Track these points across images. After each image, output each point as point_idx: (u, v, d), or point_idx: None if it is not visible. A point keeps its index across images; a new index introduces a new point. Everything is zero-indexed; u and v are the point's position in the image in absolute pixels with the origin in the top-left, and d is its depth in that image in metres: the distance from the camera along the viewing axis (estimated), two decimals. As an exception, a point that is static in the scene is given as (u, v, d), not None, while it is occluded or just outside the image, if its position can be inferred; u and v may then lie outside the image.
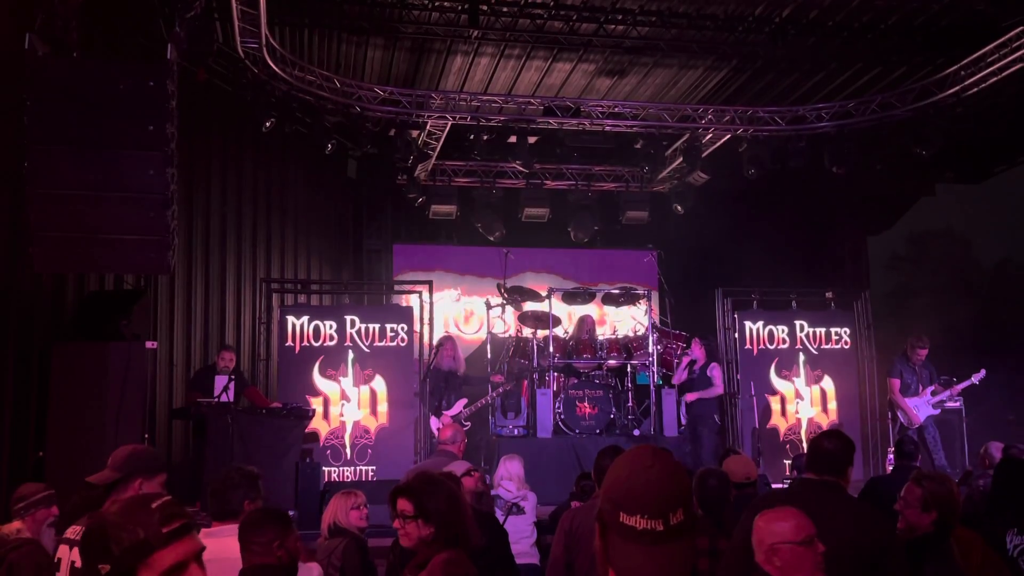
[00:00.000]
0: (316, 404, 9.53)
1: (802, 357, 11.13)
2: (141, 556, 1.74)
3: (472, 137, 11.36)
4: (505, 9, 9.48)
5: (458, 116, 11.20)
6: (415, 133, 11.72)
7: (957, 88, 10.21)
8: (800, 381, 11.09)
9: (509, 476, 6.21)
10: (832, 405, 11.11)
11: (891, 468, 7.18)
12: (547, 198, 13.54)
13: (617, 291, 10.75)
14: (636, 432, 9.59)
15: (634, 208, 13.72)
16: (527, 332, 10.31)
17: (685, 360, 9.78)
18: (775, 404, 10.96)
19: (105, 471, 3.10)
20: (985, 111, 10.34)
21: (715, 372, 9.66)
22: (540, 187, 13.67)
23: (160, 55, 6.51)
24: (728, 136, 11.77)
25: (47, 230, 6.06)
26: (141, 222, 6.12)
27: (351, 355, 9.92)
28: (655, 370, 9.93)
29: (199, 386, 8.91)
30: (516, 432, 9.68)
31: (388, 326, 10.07)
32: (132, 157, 6.03)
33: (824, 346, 11.23)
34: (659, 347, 10.18)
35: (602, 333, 11.00)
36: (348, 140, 11.24)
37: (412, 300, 10.80)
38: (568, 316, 12.11)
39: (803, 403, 11.04)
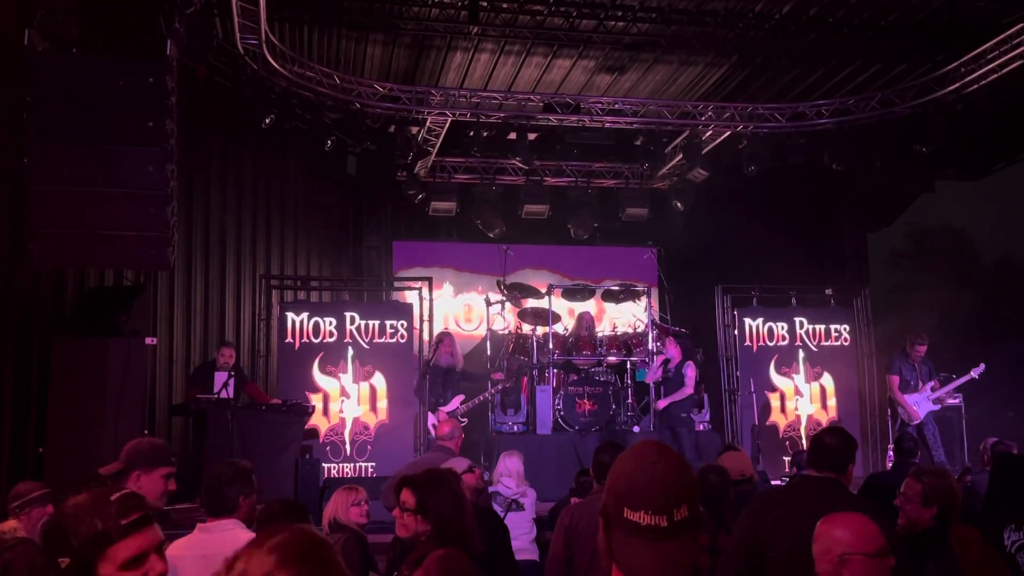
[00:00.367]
0: (316, 400, 9.56)
1: (802, 354, 11.14)
2: (100, 548, 1.75)
3: (472, 134, 11.35)
4: (505, 5, 9.47)
5: (458, 112, 11.20)
6: (415, 129, 11.70)
7: (957, 85, 10.20)
8: (800, 378, 11.10)
9: (508, 472, 6.20)
10: (832, 402, 11.12)
11: (891, 465, 7.19)
12: (547, 195, 13.53)
13: (617, 288, 10.75)
14: (636, 428, 9.60)
15: (634, 205, 13.71)
16: (527, 329, 10.31)
17: (660, 359, 9.56)
18: (775, 401, 10.98)
19: (114, 463, 3.13)
20: (985, 108, 10.33)
21: (689, 371, 9.32)
22: (540, 184, 13.66)
23: (160, 51, 6.51)
24: (728, 133, 11.76)
25: (47, 226, 6.06)
26: (141, 218, 6.12)
27: (351, 351, 9.92)
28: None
29: (199, 382, 8.92)
30: (516, 428, 9.69)
31: (388, 323, 10.07)
32: (132, 153, 6.03)
33: (824, 343, 11.24)
34: (658, 344, 10.17)
35: (601, 330, 11.01)
36: (348, 136, 11.22)
37: (412, 297, 10.80)
38: (568, 313, 12.11)
39: (803, 400, 11.05)
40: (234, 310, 11.10)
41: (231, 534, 3.11)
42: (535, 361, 9.89)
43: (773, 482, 8.16)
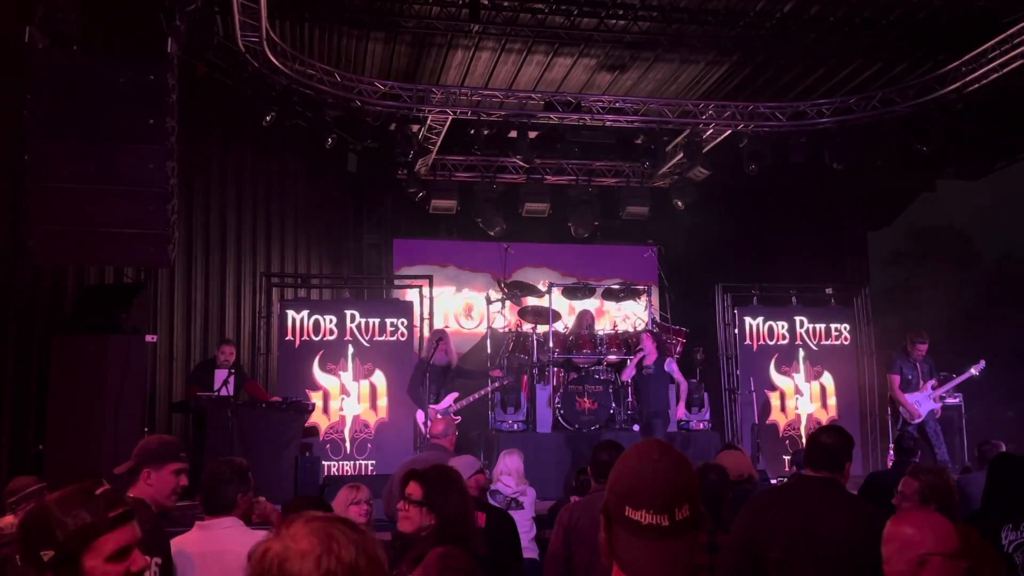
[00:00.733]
0: (316, 398, 9.56)
1: (802, 353, 11.14)
2: (87, 540, 1.77)
3: (472, 132, 11.35)
4: (506, 4, 9.47)
5: (459, 111, 11.20)
6: (415, 128, 11.69)
7: (958, 84, 10.20)
8: (800, 377, 11.10)
9: (508, 471, 6.21)
10: (832, 401, 11.12)
11: (891, 464, 7.19)
12: (547, 193, 13.52)
13: (617, 286, 10.74)
14: (635, 427, 9.59)
15: (634, 203, 13.69)
16: (527, 327, 10.31)
17: (636, 357, 9.22)
18: (775, 400, 10.97)
19: (127, 462, 3.17)
20: (986, 107, 10.33)
21: (674, 366, 9.18)
22: (540, 182, 13.65)
23: (160, 49, 6.51)
24: (729, 132, 11.75)
25: (47, 223, 6.06)
26: (141, 216, 6.12)
27: (351, 349, 9.93)
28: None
29: (199, 380, 8.90)
30: (515, 427, 9.67)
31: (388, 321, 10.08)
32: (132, 151, 6.03)
33: (824, 342, 11.24)
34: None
35: (602, 328, 10.98)
36: (348, 134, 11.22)
37: (412, 295, 10.80)
38: (568, 311, 12.10)
39: (803, 399, 11.05)
40: (234, 308, 11.10)
41: (230, 532, 3.13)
42: (535, 359, 9.88)
43: (772, 481, 8.15)
